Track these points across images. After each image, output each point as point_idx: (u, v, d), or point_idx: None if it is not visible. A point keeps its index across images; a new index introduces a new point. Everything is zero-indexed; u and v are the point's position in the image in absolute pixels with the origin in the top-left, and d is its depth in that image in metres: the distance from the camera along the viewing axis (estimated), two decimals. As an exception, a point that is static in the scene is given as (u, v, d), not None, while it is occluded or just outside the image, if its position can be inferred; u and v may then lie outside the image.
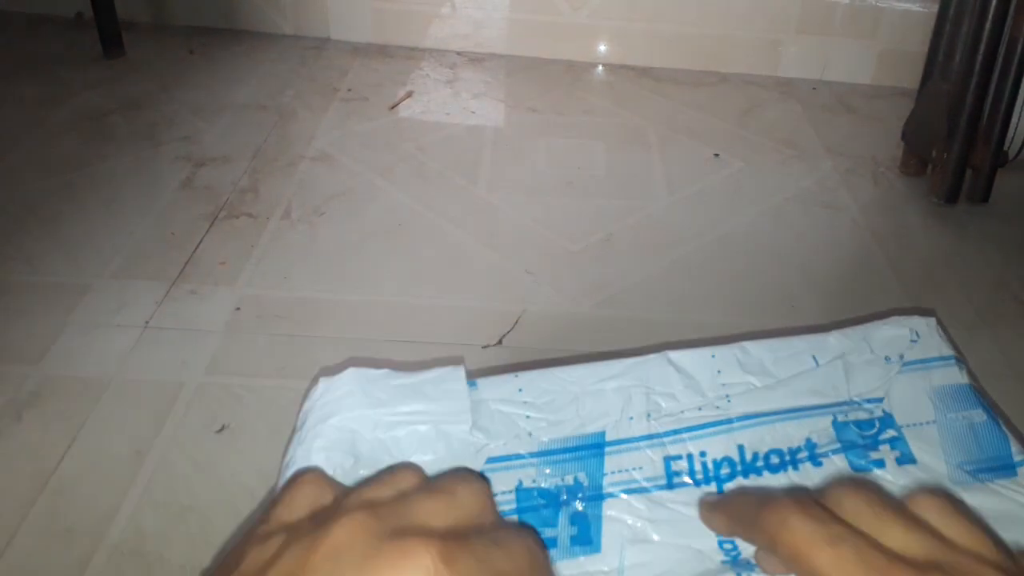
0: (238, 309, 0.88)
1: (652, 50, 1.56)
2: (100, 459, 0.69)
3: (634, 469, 0.35)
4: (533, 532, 0.27)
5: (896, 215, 1.15)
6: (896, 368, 0.38)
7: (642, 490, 0.35)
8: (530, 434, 0.37)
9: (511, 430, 0.37)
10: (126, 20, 1.49)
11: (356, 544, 0.22)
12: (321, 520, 0.24)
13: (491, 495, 0.27)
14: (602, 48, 1.56)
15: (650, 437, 0.37)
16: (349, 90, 1.40)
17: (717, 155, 1.27)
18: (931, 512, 0.24)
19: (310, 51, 1.54)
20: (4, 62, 1.43)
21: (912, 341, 0.39)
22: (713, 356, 0.40)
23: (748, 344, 0.40)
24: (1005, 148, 1.12)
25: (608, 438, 0.37)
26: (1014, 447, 0.36)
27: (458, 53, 1.56)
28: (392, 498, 0.26)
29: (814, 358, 0.39)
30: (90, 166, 1.13)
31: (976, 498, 0.34)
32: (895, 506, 0.24)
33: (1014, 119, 1.10)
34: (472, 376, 0.39)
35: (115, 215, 1.03)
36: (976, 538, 0.23)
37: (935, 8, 1.18)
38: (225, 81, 1.40)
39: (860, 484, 0.25)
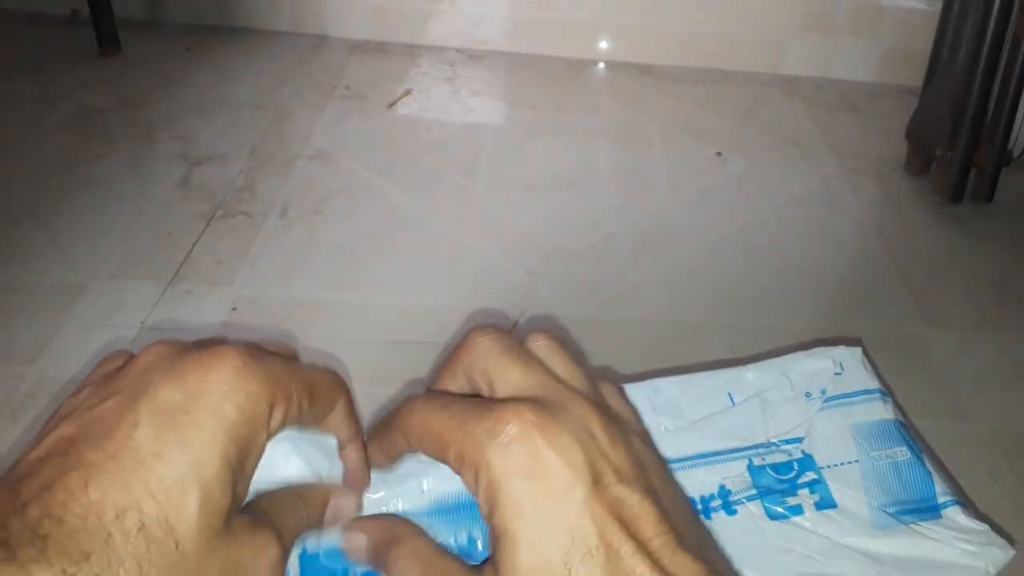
0: (234, 309, 0.87)
1: (654, 47, 1.55)
2: (94, 462, 0.68)
3: None
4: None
5: (900, 214, 1.14)
6: (817, 405, 0.36)
7: None
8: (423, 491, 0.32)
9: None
10: (122, 17, 1.48)
11: (164, 355, 0.25)
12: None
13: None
14: (603, 45, 1.55)
15: None
16: (347, 88, 1.39)
17: (719, 154, 1.26)
18: (543, 351, 0.28)
19: (307, 48, 1.53)
20: (-1, 59, 1.42)
21: (836, 374, 0.37)
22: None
23: (659, 381, 0.37)
24: (1009, 147, 1.11)
25: None
26: (938, 487, 0.34)
27: (457, 50, 1.55)
28: None
29: (730, 396, 0.37)
30: (86, 165, 1.12)
31: (899, 542, 0.32)
32: (516, 350, 0.27)
33: (1018, 118, 1.09)
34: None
35: (111, 214, 1.02)
36: (574, 373, 0.27)
37: (939, 6, 1.17)
38: (222, 79, 1.39)
39: (492, 337, 0.28)
